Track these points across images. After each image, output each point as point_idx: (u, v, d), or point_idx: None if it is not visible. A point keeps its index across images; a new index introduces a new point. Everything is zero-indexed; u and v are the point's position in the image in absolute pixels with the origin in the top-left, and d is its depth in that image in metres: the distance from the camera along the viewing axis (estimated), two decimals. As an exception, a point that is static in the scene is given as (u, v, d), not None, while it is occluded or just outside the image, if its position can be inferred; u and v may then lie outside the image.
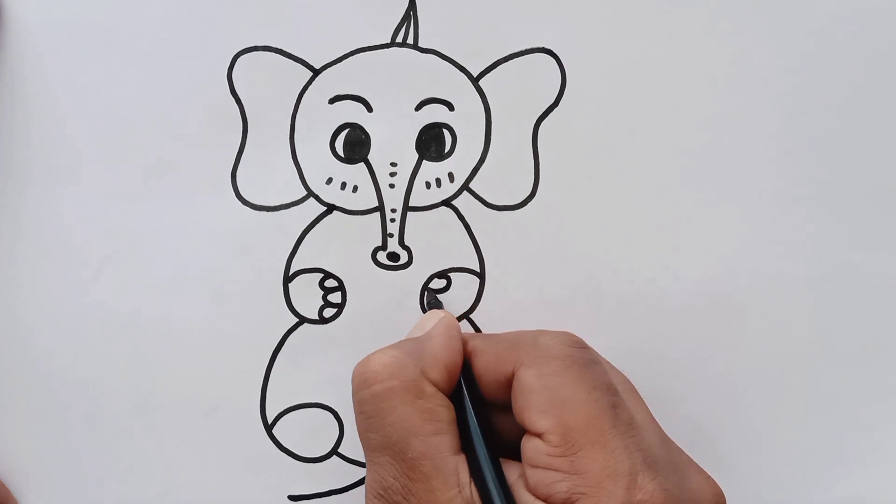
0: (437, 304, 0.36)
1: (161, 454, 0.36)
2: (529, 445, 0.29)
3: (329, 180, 0.36)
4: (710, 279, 0.36)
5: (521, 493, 0.29)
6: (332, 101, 0.36)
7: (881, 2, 0.36)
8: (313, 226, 0.36)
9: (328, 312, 0.37)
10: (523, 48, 0.36)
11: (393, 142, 0.36)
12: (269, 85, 0.36)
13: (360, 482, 0.37)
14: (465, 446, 0.30)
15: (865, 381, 0.37)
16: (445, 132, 0.36)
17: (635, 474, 0.27)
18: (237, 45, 0.36)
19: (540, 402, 0.29)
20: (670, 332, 0.36)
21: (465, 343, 0.32)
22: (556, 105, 0.36)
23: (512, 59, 0.36)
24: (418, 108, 0.36)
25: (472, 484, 0.29)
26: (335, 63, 0.36)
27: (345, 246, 0.36)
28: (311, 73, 0.36)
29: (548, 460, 0.28)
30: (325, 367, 0.36)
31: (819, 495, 0.37)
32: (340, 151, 0.36)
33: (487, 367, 0.31)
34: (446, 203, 0.36)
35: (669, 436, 0.31)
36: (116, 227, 0.36)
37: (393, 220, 0.36)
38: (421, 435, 0.29)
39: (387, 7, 0.36)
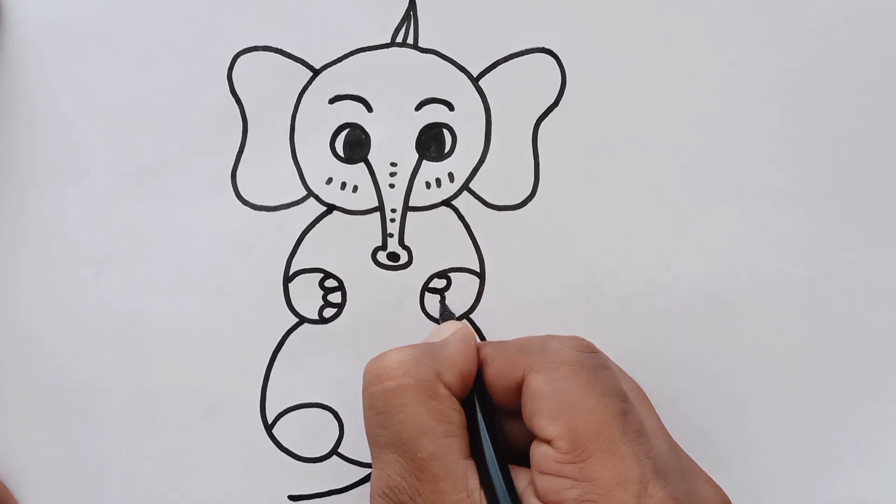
0: (451, 316, 0.36)
1: (161, 454, 0.36)
2: (539, 452, 0.29)
3: (329, 180, 0.36)
4: (710, 279, 0.36)
5: (530, 500, 0.28)
6: (332, 101, 0.36)
7: (881, 2, 0.36)
8: (313, 226, 0.36)
9: (328, 312, 0.37)
10: (523, 48, 0.36)
11: (393, 142, 0.36)
12: (269, 85, 0.36)
13: (361, 482, 0.37)
14: (475, 452, 0.30)
15: (865, 381, 0.37)
16: (445, 132, 0.36)
17: (645, 482, 0.27)
18: (237, 45, 0.36)
19: (549, 408, 0.29)
20: (670, 331, 0.36)
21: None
22: (556, 105, 0.36)
23: (512, 59, 0.36)
24: (418, 108, 0.36)
25: (482, 490, 0.28)
26: (335, 63, 0.36)
27: (345, 246, 0.36)
28: (311, 73, 0.36)
29: (557, 467, 0.28)
30: (325, 367, 0.36)
31: (819, 495, 0.37)
32: (340, 151, 0.36)
33: (498, 373, 0.31)
34: (446, 203, 0.36)
35: (672, 437, 0.31)
36: (117, 227, 0.36)
37: (393, 220, 0.36)
38: (432, 435, 0.29)
39: (387, 7, 0.36)
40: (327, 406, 0.37)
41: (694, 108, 0.36)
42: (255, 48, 0.36)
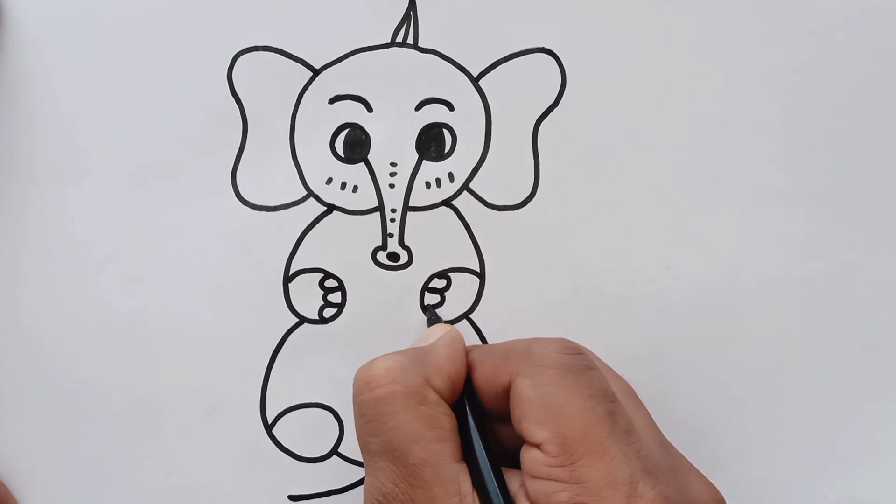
0: (438, 320, 0.36)
1: (161, 454, 0.36)
2: (528, 456, 0.29)
3: (329, 180, 0.36)
4: (710, 279, 0.36)
5: (522, 502, 0.28)
6: (332, 101, 0.36)
7: (882, 2, 0.36)
8: (313, 226, 0.36)
9: (328, 312, 0.37)
10: (523, 48, 0.36)
11: (393, 142, 0.36)
12: (269, 85, 0.36)
13: (360, 482, 0.37)
14: (467, 456, 0.30)
15: (865, 381, 0.37)
16: (445, 132, 0.36)
17: (636, 482, 0.27)
18: (237, 45, 0.36)
19: (536, 412, 0.29)
20: (670, 331, 0.36)
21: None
22: (556, 105, 0.36)
23: (512, 59, 0.36)
24: (418, 108, 0.36)
25: (474, 493, 0.28)
26: (335, 63, 0.36)
27: (345, 246, 0.36)
28: (311, 73, 0.36)
29: (547, 471, 0.28)
30: (325, 367, 0.36)
31: (819, 495, 0.37)
32: (340, 151, 0.36)
33: (485, 378, 0.31)
34: (446, 203, 0.36)
35: (669, 437, 0.31)
36: (117, 227, 0.36)
37: (393, 220, 0.36)
38: (423, 441, 0.29)
39: (387, 7, 0.36)
40: (327, 406, 0.37)
41: (694, 108, 0.36)
42: (255, 48, 0.36)
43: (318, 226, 0.36)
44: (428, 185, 0.36)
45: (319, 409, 0.37)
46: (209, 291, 0.36)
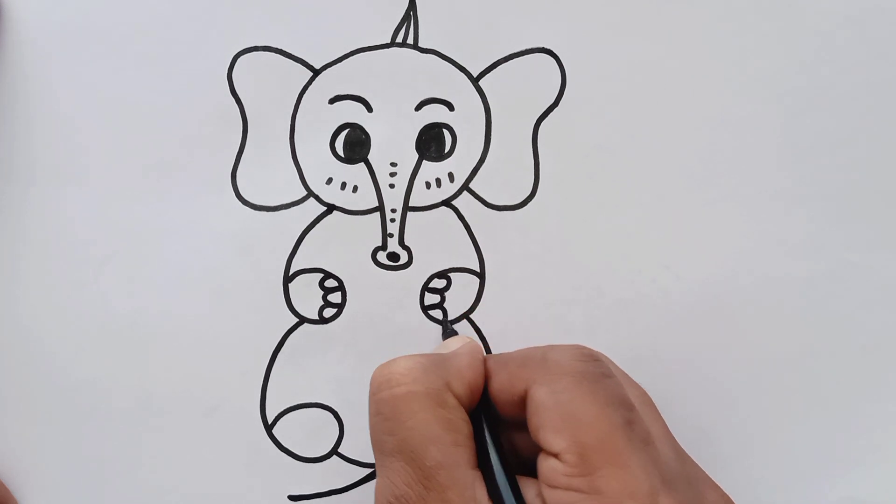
0: (454, 332, 0.35)
1: (161, 454, 0.36)
2: (546, 465, 0.28)
3: (329, 180, 0.36)
4: (710, 279, 0.36)
5: None
6: (332, 101, 0.36)
7: (882, 2, 0.36)
8: (313, 226, 0.36)
9: (328, 312, 0.37)
10: (523, 48, 0.36)
11: (393, 142, 0.36)
12: (269, 85, 0.36)
13: (361, 482, 0.37)
14: (482, 464, 0.29)
15: (865, 381, 0.37)
16: (445, 132, 0.36)
17: (655, 494, 0.27)
18: (237, 45, 0.36)
19: (554, 421, 0.28)
20: (671, 331, 0.36)
21: None
22: (556, 105, 0.36)
23: (512, 59, 0.36)
24: (418, 108, 0.36)
25: (490, 501, 0.28)
26: (335, 63, 0.36)
27: (345, 246, 0.36)
28: (311, 73, 0.36)
29: (566, 480, 0.27)
30: (325, 367, 0.36)
31: (819, 495, 0.37)
32: (340, 151, 0.36)
33: (501, 386, 0.31)
34: (446, 203, 0.36)
35: (678, 444, 0.31)
36: (117, 227, 0.36)
37: (393, 220, 0.36)
38: (440, 444, 0.28)
39: (387, 7, 0.36)
40: (327, 406, 0.37)
41: (694, 108, 0.36)
42: (255, 48, 0.36)
43: (318, 226, 0.36)
44: (428, 185, 0.36)
45: (319, 409, 0.37)
46: (209, 291, 0.36)
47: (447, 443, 0.29)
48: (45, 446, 0.36)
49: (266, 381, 0.36)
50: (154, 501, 0.36)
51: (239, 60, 0.36)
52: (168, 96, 0.36)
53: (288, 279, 0.36)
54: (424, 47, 0.36)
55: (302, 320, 0.36)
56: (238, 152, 0.36)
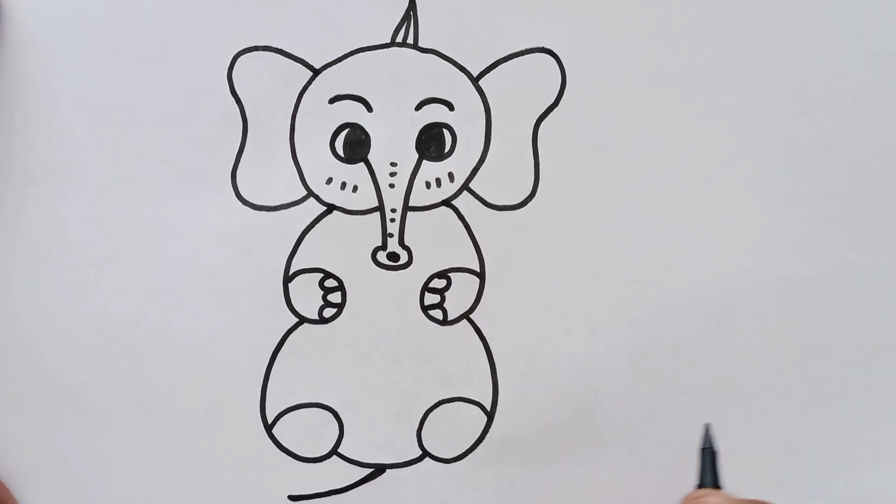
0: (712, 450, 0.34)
1: (161, 454, 0.36)
2: None
3: (329, 180, 0.36)
4: (710, 279, 0.36)
5: None
6: (332, 100, 0.36)
7: (882, 2, 0.36)
8: (313, 226, 0.36)
9: (328, 312, 0.36)
10: (523, 48, 0.36)
11: (393, 142, 0.36)
12: (269, 85, 0.36)
13: (361, 482, 0.37)
14: None
15: (865, 381, 0.37)
16: (445, 132, 0.36)
17: None
18: (237, 45, 0.36)
19: None
20: (671, 331, 0.36)
21: None
22: (556, 105, 0.36)
23: (512, 59, 0.36)
24: (418, 107, 0.36)
25: None
26: (335, 63, 0.36)
27: (345, 246, 0.36)
28: (311, 73, 0.36)
29: None
30: (325, 367, 0.36)
31: (819, 494, 0.37)
32: (340, 151, 0.36)
33: None
34: (446, 203, 0.36)
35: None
36: (117, 228, 0.36)
37: (393, 220, 0.36)
38: None
39: (387, 7, 0.36)
40: (327, 406, 0.37)
41: (694, 108, 0.36)
42: (255, 48, 0.36)
43: (318, 226, 0.36)
44: (428, 184, 0.36)
45: (319, 409, 0.37)
46: (209, 291, 0.36)
47: None
48: (45, 446, 0.36)
49: (266, 381, 0.36)
50: (154, 501, 0.36)
51: (239, 60, 0.36)
52: (168, 96, 0.36)
53: (288, 279, 0.36)
54: (424, 47, 0.36)
55: (302, 320, 0.36)
56: (238, 152, 0.36)
